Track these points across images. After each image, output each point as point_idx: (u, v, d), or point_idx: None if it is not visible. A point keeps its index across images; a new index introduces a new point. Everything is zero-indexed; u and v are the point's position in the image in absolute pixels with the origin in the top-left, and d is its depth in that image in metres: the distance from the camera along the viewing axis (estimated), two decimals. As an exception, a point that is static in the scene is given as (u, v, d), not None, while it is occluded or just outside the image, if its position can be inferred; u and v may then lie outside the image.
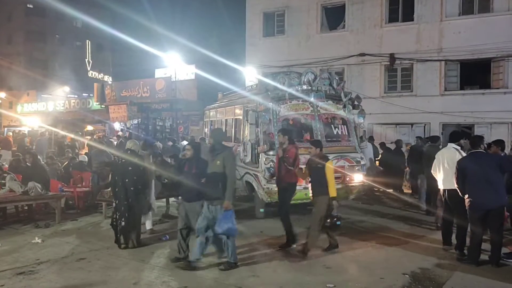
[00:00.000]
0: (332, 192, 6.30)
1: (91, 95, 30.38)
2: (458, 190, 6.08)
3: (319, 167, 6.46)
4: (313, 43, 18.07)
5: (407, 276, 5.49)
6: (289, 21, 18.74)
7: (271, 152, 8.35)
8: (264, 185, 8.38)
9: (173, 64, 25.28)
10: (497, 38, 14.42)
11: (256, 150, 8.73)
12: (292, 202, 7.39)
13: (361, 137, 9.66)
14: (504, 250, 6.34)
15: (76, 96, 33.67)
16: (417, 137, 12.71)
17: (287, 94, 8.95)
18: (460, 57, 15.31)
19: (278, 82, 9.14)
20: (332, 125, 9.22)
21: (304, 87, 9.15)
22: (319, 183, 6.43)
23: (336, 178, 7.42)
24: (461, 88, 15.81)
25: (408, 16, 16.56)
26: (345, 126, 9.31)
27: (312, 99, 8.98)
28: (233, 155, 6.32)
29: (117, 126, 27.29)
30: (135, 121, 25.80)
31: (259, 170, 8.59)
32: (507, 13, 14.81)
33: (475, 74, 15.49)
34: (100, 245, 6.91)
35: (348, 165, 8.68)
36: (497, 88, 15.20)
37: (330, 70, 9.66)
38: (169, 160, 10.52)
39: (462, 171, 6.00)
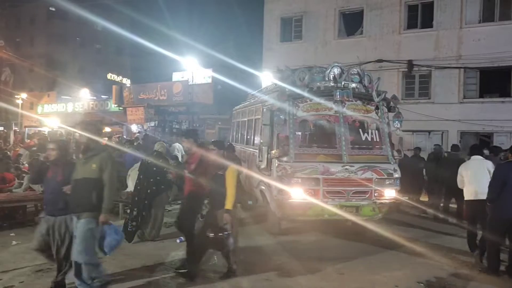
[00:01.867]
0: (228, 204, 5.32)
1: (109, 97, 30.84)
2: (489, 197, 5.98)
3: (220, 174, 5.52)
4: (330, 49, 18.06)
5: (422, 284, 5.46)
6: (307, 26, 18.78)
7: (285, 158, 7.37)
8: (275, 196, 7.32)
9: (191, 68, 25.53)
10: (516, 46, 14.23)
11: (269, 155, 7.67)
12: (308, 218, 7.23)
13: (397, 149, 8.16)
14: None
15: (95, 98, 34.22)
16: (435, 145, 12.55)
17: (306, 90, 7.77)
18: (480, 65, 15.12)
19: (297, 77, 7.97)
20: (360, 130, 8.01)
21: (329, 84, 7.92)
22: (220, 194, 5.39)
23: (361, 192, 7.27)
24: (480, 96, 15.61)
25: (427, 22, 16.44)
26: (376, 131, 8.00)
27: (337, 98, 7.66)
28: (112, 157, 4.98)
29: (134, 128, 27.62)
30: (152, 124, 26.07)
31: (272, 178, 7.62)
32: (529, 21, 14.61)
33: (494, 82, 15.28)
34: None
35: (377, 178, 7.37)
36: (517, 97, 14.97)
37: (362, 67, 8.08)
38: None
39: (502, 177, 5.85)
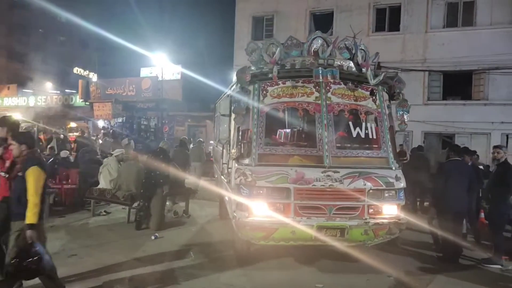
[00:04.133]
0: (30, 217, 4.06)
1: (73, 91, 30.01)
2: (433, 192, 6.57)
3: (19, 176, 4.29)
4: (301, 49, 18.27)
5: (392, 278, 5.70)
6: (278, 26, 18.97)
7: (246, 160, 5.48)
8: (234, 212, 5.56)
9: (160, 64, 25.21)
10: (479, 51, 14.93)
11: (228, 155, 6.10)
12: (274, 243, 5.46)
13: (400, 145, 6.40)
14: (483, 255, 6.67)
15: (58, 92, 33.19)
16: (400, 145, 12.93)
17: (277, 69, 5.66)
18: (443, 68, 15.79)
19: (265, 51, 5.75)
20: (350, 123, 6.15)
21: (308, 60, 5.82)
22: (18, 201, 4.24)
23: (348, 209, 5.41)
24: (444, 99, 16.29)
25: (395, 26, 16.97)
26: (373, 125, 6.11)
27: (318, 79, 5.72)
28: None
29: (100, 123, 27.04)
30: (120, 120, 25.61)
31: (230, 186, 5.88)
32: (489, 28, 15.35)
33: (457, 85, 15.98)
34: (90, 241, 6.95)
35: (372, 189, 5.44)
36: (478, 100, 15.72)
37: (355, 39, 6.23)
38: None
39: (445, 174, 6.63)
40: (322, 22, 18.60)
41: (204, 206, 10.22)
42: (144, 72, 28.61)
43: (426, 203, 10.08)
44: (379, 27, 17.25)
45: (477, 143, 14.32)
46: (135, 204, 8.35)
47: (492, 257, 6.53)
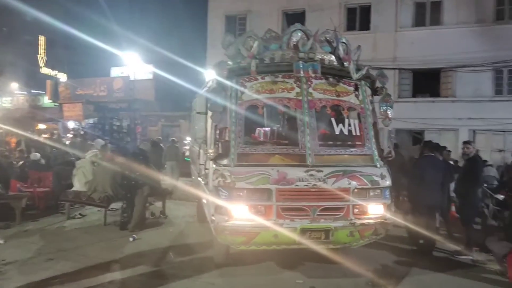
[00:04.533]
0: None
1: (41, 92, 29.21)
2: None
3: None
4: (274, 48, 18.41)
5: (370, 272, 5.84)
6: (251, 25, 18.98)
7: (224, 161, 5.20)
8: (213, 216, 5.28)
9: (131, 63, 24.84)
10: (446, 50, 15.40)
11: (205, 156, 5.86)
12: (256, 248, 5.28)
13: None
14: (455, 247, 6.92)
15: (25, 93, 32.23)
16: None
17: (255, 63, 5.47)
18: (413, 66, 16.22)
19: (243, 44, 5.55)
20: (332, 119, 6.00)
21: (288, 54, 5.68)
22: None
23: (332, 209, 5.22)
24: (413, 96, 16.73)
25: (365, 25, 17.31)
26: (356, 121, 5.93)
27: (299, 73, 5.54)
28: None
29: (71, 125, 26.43)
30: (91, 121, 25.11)
31: (208, 188, 5.63)
32: (456, 27, 15.87)
33: (426, 83, 16.44)
34: (66, 245, 6.81)
35: (358, 187, 5.29)
36: (446, 97, 16.23)
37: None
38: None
39: (420, 170, 6.92)
40: (295, 21, 18.42)
41: (180, 206, 10.17)
42: (115, 72, 28.14)
43: (400, 198, 10.36)
44: (350, 26, 17.54)
45: (445, 139, 14.77)
46: (112, 205, 8.28)
47: (463, 249, 6.78)
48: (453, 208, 8.32)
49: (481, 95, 15.70)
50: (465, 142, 7.27)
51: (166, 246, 6.98)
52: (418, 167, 7.09)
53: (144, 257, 6.34)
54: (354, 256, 6.05)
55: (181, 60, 22.18)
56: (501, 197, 8.15)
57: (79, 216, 9.02)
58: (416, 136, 16.35)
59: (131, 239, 7.24)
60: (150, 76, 26.69)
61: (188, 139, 18.04)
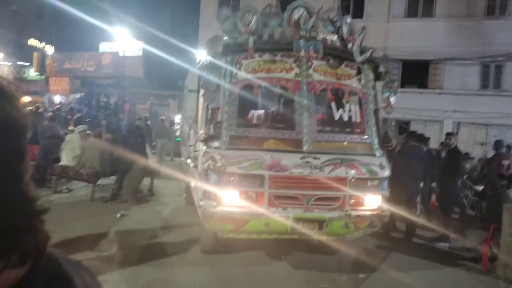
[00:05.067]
0: None
1: (26, 64, 28.66)
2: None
3: None
4: (267, 31, 18.38)
5: (352, 255, 6.04)
6: (245, 4, 18.85)
7: (215, 143, 4.93)
8: (201, 201, 4.99)
9: (121, 39, 24.47)
10: (436, 42, 15.59)
11: (195, 137, 5.61)
12: (246, 236, 5.07)
13: (385, 133, 5.44)
14: (434, 235, 7.18)
15: (10, 63, 31.58)
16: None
17: (253, 40, 5.05)
18: (403, 57, 16.36)
19: (240, 20, 5.11)
20: (332, 104, 5.46)
21: (288, 32, 5.27)
22: None
23: (328, 199, 5.01)
24: (402, 86, 16.89)
25: (358, 13, 17.33)
26: (357, 107, 5.53)
27: (299, 53, 5.17)
28: None
29: (57, 99, 26.10)
30: (78, 95, 24.82)
31: (197, 172, 5.39)
32: (447, 20, 16.04)
33: (415, 74, 16.65)
34: (52, 219, 6.82)
35: (356, 177, 5.05)
36: (433, 89, 16.48)
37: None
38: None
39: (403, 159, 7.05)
40: (289, 2, 18.67)
41: (168, 184, 10.25)
42: (104, 47, 27.66)
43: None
44: (344, 13, 17.51)
45: (430, 130, 15.05)
46: (100, 181, 8.32)
47: (441, 236, 7.04)
48: (433, 197, 8.59)
49: (467, 88, 15.99)
50: (448, 134, 7.50)
51: (154, 223, 7.10)
52: (403, 156, 7.27)
53: (132, 233, 6.46)
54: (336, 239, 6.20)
55: (171, 39, 21.98)
56: (480, 188, 8.43)
57: (66, 190, 9.05)
58: (403, 126, 16.61)
59: (118, 215, 7.32)
60: (140, 53, 26.34)
61: (178, 119, 18.06)
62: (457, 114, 15.85)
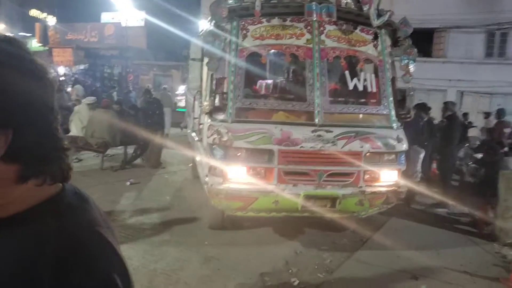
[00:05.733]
0: None
1: (28, 35, 28.53)
2: None
3: None
4: None
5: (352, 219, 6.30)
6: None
7: (220, 116, 4.64)
8: (206, 177, 4.76)
9: (123, 9, 24.27)
10: (441, 10, 15.42)
11: (200, 109, 5.28)
12: (254, 214, 4.86)
13: (401, 100, 5.19)
14: (433, 201, 7.43)
15: (12, 35, 31.43)
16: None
17: (260, 3, 4.64)
18: (408, 25, 16.22)
19: None
20: (347, 72, 5.11)
21: None
22: None
23: (341, 175, 4.74)
24: (406, 55, 16.87)
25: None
26: (373, 75, 5.17)
27: (312, 17, 4.82)
28: None
29: (61, 70, 26.13)
30: (82, 67, 24.83)
31: (202, 147, 5.12)
32: (453, -13, 15.82)
33: (419, 42, 16.44)
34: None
35: (371, 151, 4.75)
36: (438, 57, 16.42)
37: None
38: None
39: None
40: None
41: (174, 154, 10.47)
42: (105, 17, 27.46)
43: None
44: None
45: (433, 99, 15.13)
46: (109, 151, 8.57)
47: (440, 203, 7.28)
48: (434, 165, 8.79)
49: (471, 57, 15.94)
50: (444, 103, 7.66)
51: (164, 190, 7.36)
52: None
53: (144, 200, 6.73)
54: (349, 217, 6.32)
55: (174, 9, 21.77)
56: (479, 155, 8.61)
57: (76, 160, 9.30)
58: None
59: (128, 183, 7.59)
60: (142, 24, 26.15)
61: (181, 89, 18.16)
62: (461, 83, 15.87)
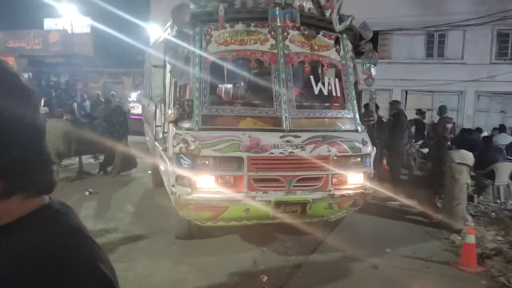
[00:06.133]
0: None
1: (-33, 44, 27.01)
2: None
3: None
4: (220, 5, 18.36)
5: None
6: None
7: (186, 124, 4.56)
8: (173, 187, 4.55)
9: (67, 15, 23.50)
10: (384, 13, 16.20)
11: (164, 117, 5.12)
12: (224, 224, 4.80)
13: (365, 105, 5.51)
14: (385, 195, 7.85)
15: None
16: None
17: (223, 8, 4.65)
18: (354, 28, 16.94)
19: None
20: (311, 77, 5.23)
21: None
22: None
23: (310, 180, 4.73)
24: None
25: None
26: (337, 79, 5.21)
27: (276, 22, 4.83)
28: None
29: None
30: (26, 75, 23.75)
31: (167, 156, 4.84)
32: (394, -9, 16.72)
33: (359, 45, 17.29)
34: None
35: (338, 155, 4.78)
36: (383, 59, 17.21)
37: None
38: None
39: None
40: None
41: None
42: (49, 23, 26.44)
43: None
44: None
45: (380, 99, 15.82)
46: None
47: (391, 196, 7.72)
48: (385, 161, 9.29)
49: (414, 57, 16.88)
50: (390, 102, 8.18)
51: (124, 200, 7.31)
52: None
53: (104, 210, 6.67)
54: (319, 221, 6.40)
55: (121, 14, 21.35)
56: (425, 150, 9.20)
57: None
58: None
59: (86, 193, 7.47)
60: (88, 30, 25.44)
61: (134, 96, 17.90)
62: (405, 83, 16.75)
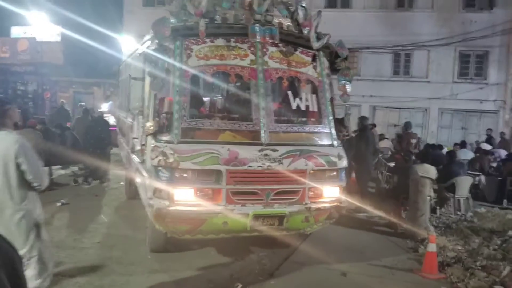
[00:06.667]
0: None
1: None
2: None
3: None
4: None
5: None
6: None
7: (165, 137, 4.56)
8: (150, 199, 4.60)
9: (36, 23, 23.08)
10: (354, 32, 16.81)
11: (143, 130, 4.92)
12: (203, 237, 4.80)
13: (341, 119, 5.51)
14: (353, 206, 8.14)
15: None
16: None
17: (204, 23, 4.73)
18: (324, 46, 17.49)
19: (190, 0, 4.81)
20: (289, 92, 5.40)
21: (242, 15, 5.02)
22: None
23: (287, 193, 4.82)
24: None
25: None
26: (314, 95, 5.37)
27: (255, 38, 4.98)
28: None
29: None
30: (-9, 84, 23.17)
31: (145, 168, 4.89)
32: (363, 11, 17.42)
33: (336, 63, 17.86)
34: None
35: (314, 169, 4.91)
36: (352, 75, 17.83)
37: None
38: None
39: None
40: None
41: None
42: (16, 31, 25.87)
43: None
44: (268, 2, 18.27)
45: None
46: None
47: (360, 207, 8.02)
48: (353, 174, 9.61)
49: (381, 75, 17.57)
50: (358, 118, 8.61)
51: (97, 211, 7.30)
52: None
53: (77, 220, 6.65)
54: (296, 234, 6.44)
55: (93, 24, 21.19)
56: (392, 164, 9.60)
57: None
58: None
59: (59, 204, 7.42)
60: (58, 39, 25.05)
61: (104, 107, 17.77)
62: (373, 99, 17.38)
